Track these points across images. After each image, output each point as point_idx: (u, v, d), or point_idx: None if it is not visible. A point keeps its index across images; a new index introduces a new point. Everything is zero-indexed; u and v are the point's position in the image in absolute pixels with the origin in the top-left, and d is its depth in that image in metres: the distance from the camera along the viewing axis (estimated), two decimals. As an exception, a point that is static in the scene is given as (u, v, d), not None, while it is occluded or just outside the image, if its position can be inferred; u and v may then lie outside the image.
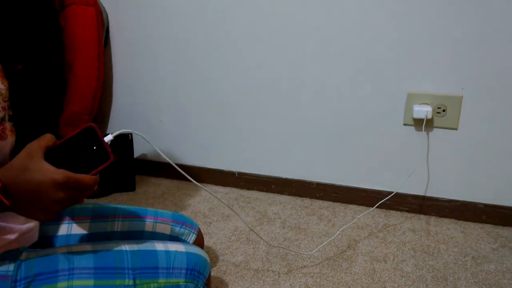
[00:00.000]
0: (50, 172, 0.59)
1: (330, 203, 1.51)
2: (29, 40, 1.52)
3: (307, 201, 1.53)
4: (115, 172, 1.59)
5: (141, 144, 1.75)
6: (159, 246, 0.85)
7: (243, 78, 1.53)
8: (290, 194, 1.58)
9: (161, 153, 0.81)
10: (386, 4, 1.30)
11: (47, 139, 0.63)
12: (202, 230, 1.29)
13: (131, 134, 1.61)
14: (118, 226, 0.92)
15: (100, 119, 1.78)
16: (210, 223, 1.35)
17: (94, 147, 0.65)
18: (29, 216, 0.63)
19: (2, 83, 0.69)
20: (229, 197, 1.55)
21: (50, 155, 0.62)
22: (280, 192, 1.60)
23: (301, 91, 1.47)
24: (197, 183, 0.89)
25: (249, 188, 1.63)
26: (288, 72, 1.47)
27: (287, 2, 1.40)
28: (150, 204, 1.49)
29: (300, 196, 1.56)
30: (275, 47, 1.46)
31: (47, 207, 0.61)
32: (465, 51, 1.27)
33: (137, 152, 1.77)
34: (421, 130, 1.36)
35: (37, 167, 0.59)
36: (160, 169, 1.75)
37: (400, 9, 1.29)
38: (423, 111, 1.31)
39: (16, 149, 0.74)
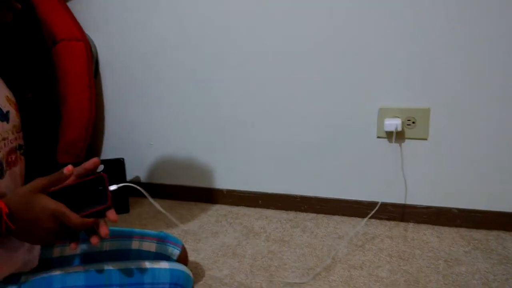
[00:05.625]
0: (48, 204, 0.68)
1: (314, 215, 1.59)
2: (30, 73, 1.63)
3: (292, 214, 1.60)
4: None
5: (134, 167, 1.84)
6: (145, 264, 0.93)
7: (230, 102, 1.63)
8: (276, 208, 1.66)
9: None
10: (355, 22, 1.40)
11: (54, 177, 0.72)
12: (191, 247, 1.38)
13: (123, 158, 1.70)
14: (107, 246, 1.01)
15: (94, 145, 1.88)
16: (200, 240, 1.43)
17: (98, 193, 0.73)
18: (27, 241, 0.72)
19: (16, 116, 0.82)
20: (218, 213, 1.63)
21: (59, 193, 0.70)
22: (267, 206, 1.68)
23: (282, 111, 1.56)
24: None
25: (238, 204, 1.71)
26: (270, 94, 1.56)
27: (258, 25, 1.50)
28: (143, 224, 1.57)
29: (286, 209, 1.64)
30: (251, 70, 1.56)
31: (42, 236, 0.69)
32: (430, 67, 1.36)
33: (131, 175, 1.86)
34: (393, 142, 1.45)
35: (38, 200, 0.69)
36: (153, 190, 1.83)
37: (368, 28, 1.39)
38: (393, 124, 1.40)
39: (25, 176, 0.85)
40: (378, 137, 1.47)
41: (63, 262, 0.95)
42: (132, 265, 0.92)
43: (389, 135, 1.44)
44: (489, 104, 1.34)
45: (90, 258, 0.98)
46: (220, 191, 1.74)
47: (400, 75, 1.40)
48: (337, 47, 1.44)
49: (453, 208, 1.46)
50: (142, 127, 1.79)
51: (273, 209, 1.66)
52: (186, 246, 1.37)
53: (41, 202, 0.68)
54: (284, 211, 1.64)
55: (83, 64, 1.66)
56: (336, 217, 1.56)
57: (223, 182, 1.74)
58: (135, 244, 1.03)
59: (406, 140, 1.45)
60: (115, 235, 1.03)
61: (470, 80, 1.34)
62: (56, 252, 0.97)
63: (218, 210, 1.67)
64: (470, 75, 1.34)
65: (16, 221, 0.67)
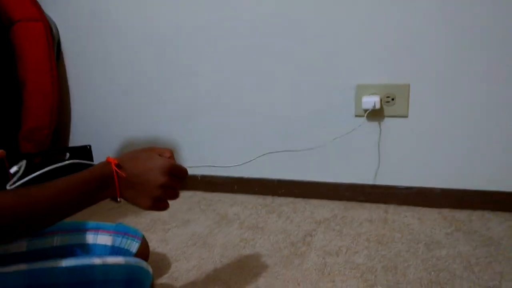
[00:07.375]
0: (158, 159, 0.72)
1: (292, 199, 1.52)
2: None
3: (269, 199, 1.53)
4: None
5: (106, 154, 1.75)
6: (97, 260, 0.86)
7: (202, 84, 1.54)
8: (252, 193, 1.59)
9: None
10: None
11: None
12: (159, 237, 1.31)
13: (90, 145, 1.60)
14: (57, 241, 0.93)
15: (61, 132, 1.78)
16: (169, 229, 1.35)
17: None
18: (134, 199, 0.75)
19: None
20: (191, 200, 1.55)
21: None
22: (243, 192, 1.60)
23: (257, 92, 1.48)
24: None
25: (213, 190, 1.64)
26: (245, 73, 1.47)
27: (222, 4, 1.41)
28: (110, 214, 1.49)
29: (262, 194, 1.57)
30: (219, 50, 1.47)
31: (151, 190, 0.72)
32: (410, 42, 1.28)
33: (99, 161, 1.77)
34: (372, 120, 1.37)
35: (148, 155, 0.74)
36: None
37: (345, 3, 1.30)
38: (371, 101, 1.32)
39: None
40: (356, 115, 1.39)
41: (7, 260, 0.87)
42: (82, 261, 0.84)
43: (367, 113, 1.37)
44: (472, 79, 1.27)
45: (38, 256, 0.91)
46: (194, 177, 1.66)
47: (378, 50, 1.32)
48: (314, 23, 1.35)
49: (435, 188, 1.39)
50: (111, 110, 1.69)
51: (250, 194, 1.58)
52: (154, 236, 1.30)
53: (151, 158, 0.73)
54: (260, 196, 1.56)
55: (43, 46, 1.55)
56: (314, 201, 1.49)
57: (197, 168, 1.65)
58: (88, 238, 0.95)
59: (386, 118, 1.37)
60: (66, 229, 0.95)
61: (451, 55, 1.26)
62: (0, 249, 0.89)
63: (191, 197, 1.59)
64: (452, 49, 1.26)
65: (125, 172, 0.72)
